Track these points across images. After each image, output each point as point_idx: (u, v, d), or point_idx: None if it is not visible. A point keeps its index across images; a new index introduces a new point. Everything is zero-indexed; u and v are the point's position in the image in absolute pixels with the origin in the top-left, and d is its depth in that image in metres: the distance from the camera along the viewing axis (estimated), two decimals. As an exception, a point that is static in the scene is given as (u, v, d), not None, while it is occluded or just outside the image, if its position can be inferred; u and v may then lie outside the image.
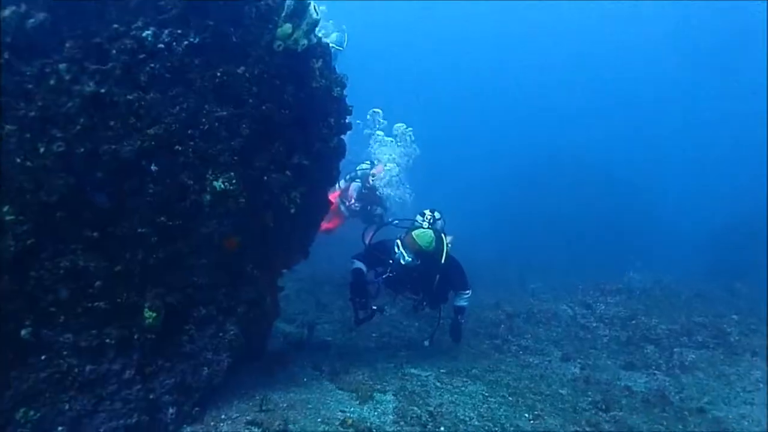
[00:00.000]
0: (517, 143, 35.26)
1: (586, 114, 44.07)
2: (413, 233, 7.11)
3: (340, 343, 7.73)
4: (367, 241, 7.75)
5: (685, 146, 39.89)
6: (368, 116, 12.70)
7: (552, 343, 9.17)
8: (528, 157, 29.59)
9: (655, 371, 8.00)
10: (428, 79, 45.81)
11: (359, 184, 11.23)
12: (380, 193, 11.14)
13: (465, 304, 7.75)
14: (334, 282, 10.41)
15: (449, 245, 7.42)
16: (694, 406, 6.63)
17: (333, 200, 10.71)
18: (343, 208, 11.30)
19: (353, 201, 11.23)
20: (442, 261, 7.19)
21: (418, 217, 7.74)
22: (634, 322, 9.88)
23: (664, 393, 6.98)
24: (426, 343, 7.58)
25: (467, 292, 7.71)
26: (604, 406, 6.28)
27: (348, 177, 11.48)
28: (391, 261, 7.22)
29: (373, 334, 8.47)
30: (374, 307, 7.16)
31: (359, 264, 7.41)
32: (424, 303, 7.59)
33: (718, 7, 33.34)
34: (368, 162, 11.76)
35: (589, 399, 6.53)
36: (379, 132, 12.61)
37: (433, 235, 7.09)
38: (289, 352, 6.71)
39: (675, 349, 8.74)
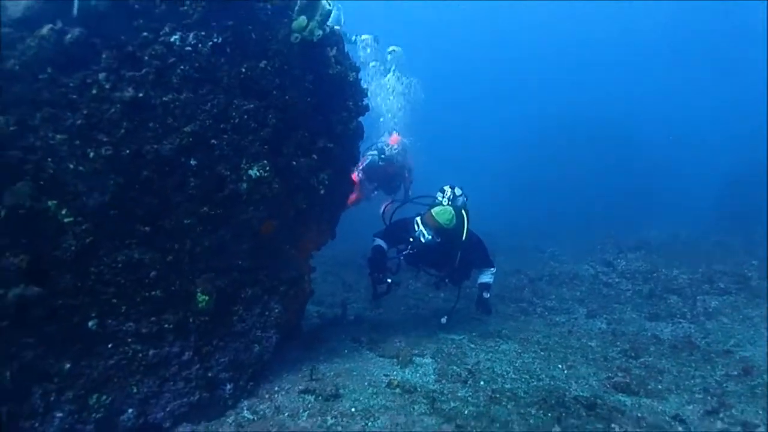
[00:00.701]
0: (525, 108, 35.30)
1: (593, 75, 43.93)
2: (433, 211, 7.01)
3: (372, 318, 8.01)
4: (386, 220, 7.75)
5: (692, 99, 39.74)
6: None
7: (576, 302, 9.42)
8: (537, 120, 29.62)
9: (680, 320, 8.22)
10: (435, 43, 45.55)
11: (375, 155, 10.95)
12: (396, 161, 10.95)
13: (490, 280, 7.64)
14: (357, 263, 10.77)
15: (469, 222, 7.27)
16: (721, 348, 6.80)
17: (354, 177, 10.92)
18: (366, 181, 11.12)
19: (360, 171, 10.86)
20: (463, 238, 7.11)
21: (438, 194, 7.59)
22: (655, 274, 10.10)
23: (691, 339, 7.18)
24: (443, 320, 7.38)
25: (491, 269, 7.68)
26: (633, 354, 6.54)
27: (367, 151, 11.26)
28: (411, 239, 7.14)
29: (401, 308, 8.78)
30: (389, 281, 7.11)
31: (380, 242, 7.44)
32: (446, 280, 7.55)
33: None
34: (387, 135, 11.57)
35: (618, 349, 6.78)
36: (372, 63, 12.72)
37: (453, 212, 6.98)
38: (325, 329, 7.02)
39: (698, 297, 8.95)
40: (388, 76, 13.88)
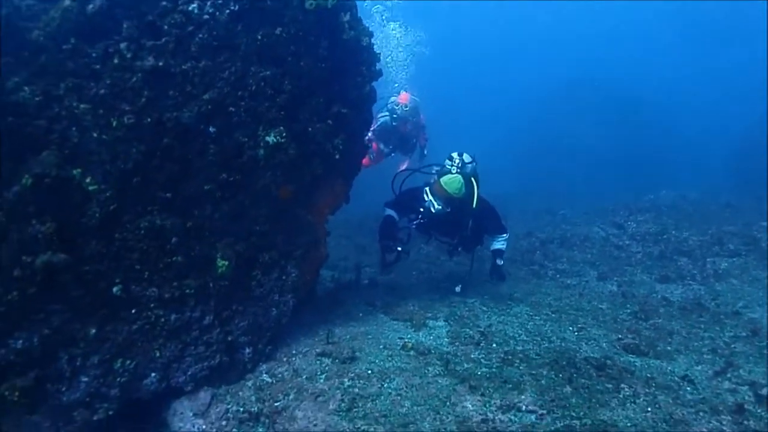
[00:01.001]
0: (533, 73, 35.00)
1: (600, 41, 43.44)
2: (441, 180, 6.92)
3: (385, 282, 8.12)
4: (396, 189, 7.54)
5: (699, 63, 39.30)
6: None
7: (587, 265, 9.52)
8: (545, 85, 29.36)
9: (690, 282, 8.31)
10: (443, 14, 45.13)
11: (387, 116, 10.80)
12: (409, 120, 10.77)
13: (502, 246, 7.51)
14: (370, 226, 10.79)
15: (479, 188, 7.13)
16: (730, 310, 6.90)
17: (374, 146, 10.71)
18: (382, 145, 10.99)
19: (373, 134, 10.77)
20: (474, 206, 6.99)
21: (447, 162, 7.28)
22: (665, 236, 10.15)
23: (700, 301, 7.29)
24: (457, 289, 7.36)
25: (504, 235, 7.55)
26: (643, 316, 6.66)
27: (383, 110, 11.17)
28: (421, 209, 7.06)
29: (414, 272, 8.90)
30: (399, 249, 6.96)
31: (390, 211, 7.32)
32: (459, 248, 7.45)
33: None
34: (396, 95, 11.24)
35: (629, 311, 6.91)
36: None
37: (462, 180, 6.87)
38: (340, 292, 7.16)
39: (708, 259, 9.02)
40: (392, 25, 13.77)
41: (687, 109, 30.17)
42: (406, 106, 10.70)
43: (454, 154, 7.29)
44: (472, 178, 7.11)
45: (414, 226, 7.29)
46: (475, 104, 39.09)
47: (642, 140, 23.59)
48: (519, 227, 12.00)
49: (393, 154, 11.30)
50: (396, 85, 12.45)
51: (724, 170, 19.40)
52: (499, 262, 7.37)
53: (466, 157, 7.32)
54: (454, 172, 7.06)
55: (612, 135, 23.55)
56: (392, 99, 11.02)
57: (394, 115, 10.72)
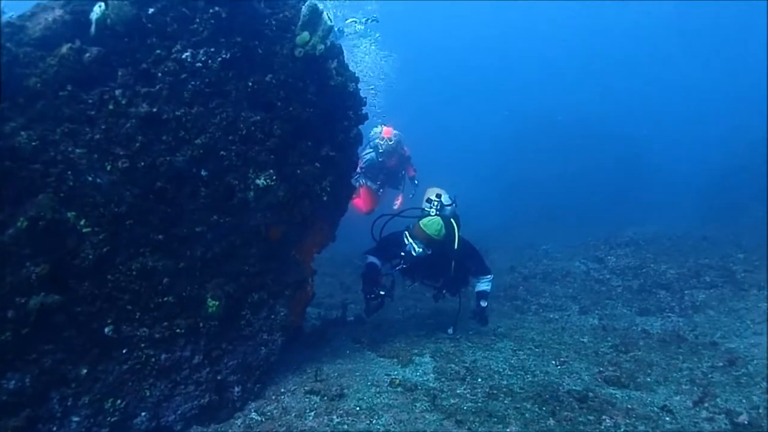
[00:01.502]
0: (510, 108, 35.57)
1: (577, 75, 44.39)
2: (421, 222, 6.87)
3: (372, 319, 8.17)
4: (376, 236, 7.41)
5: (676, 97, 40.28)
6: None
7: (569, 299, 9.69)
8: (523, 120, 29.89)
9: (669, 314, 8.52)
10: (421, 45, 45.85)
11: (372, 153, 10.79)
12: (395, 153, 10.74)
13: (487, 287, 7.39)
14: (354, 264, 10.88)
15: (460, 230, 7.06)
16: (708, 340, 7.07)
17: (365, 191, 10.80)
18: (369, 183, 10.99)
19: (360, 174, 10.77)
20: (455, 247, 6.94)
21: (425, 204, 7.29)
22: (644, 270, 10.38)
23: (679, 332, 7.45)
24: (450, 330, 7.33)
25: (488, 276, 7.44)
26: (623, 348, 6.80)
27: (366, 147, 11.06)
28: (403, 254, 7.01)
29: (400, 308, 9.01)
30: (382, 293, 6.97)
31: (373, 258, 7.31)
32: (444, 291, 7.41)
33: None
34: (378, 126, 11.26)
35: (609, 344, 7.05)
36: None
37: (441, 222, 6.82)
38: (327, 330, 7.23)
39: (686, 291, 9.25)
40: (365, 42, 13.91)
41: (668, 142, 30.85)
42: (390, 140, 10.71)
43: (433, 196, 7.31)
44: (452, 220, 7.08)
45: (397, 271, 7.26)
46: (458, 139, 39.60)
47: (624, 173, 24.06)
48: (502, 262, 12.19)
49: (381, 190, 11.29)
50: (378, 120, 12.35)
51: (702, 202, 19.78)
52: (483, 303, 7.26)
53: (445, 199, 7.35)
54: (433, 213, 7.08)
55: (595, 168, 24.00)
56: (374, 132, 11.05)
57: (380, 151, 10.73)
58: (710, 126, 34.07)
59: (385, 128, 10.95)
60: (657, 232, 13.77)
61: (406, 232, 7.05)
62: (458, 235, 6.98)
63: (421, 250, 6.80)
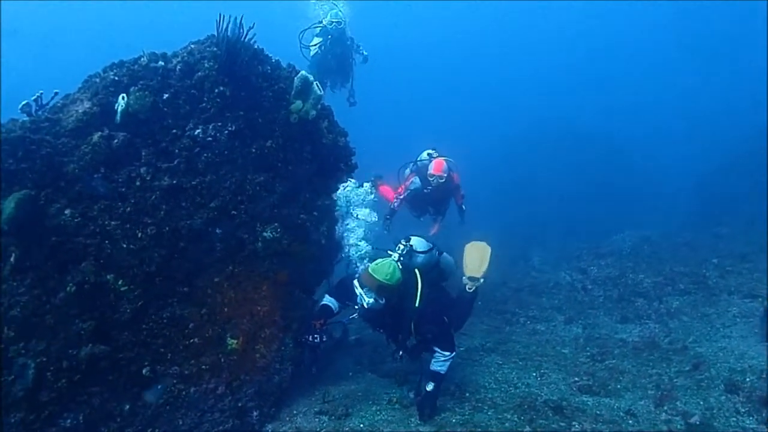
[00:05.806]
0: (503, 116, 35.99)
1: (566, 83, 44.79)
2: (370, 266, 5.72)
3: (370, 339, 8.69)
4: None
5: (671, 99, 40.63)
6: None
7: (555, 310, 10.26)
8: (513, 129, 30.28)
9: (647, 321, 9.08)
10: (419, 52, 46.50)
11: (418, 184, 9.58)
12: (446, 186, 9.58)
13: (441, 369, 5.88)
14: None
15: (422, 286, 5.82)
16: (680, 345, 7.64)
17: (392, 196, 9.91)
18: (411, 210, 10.15)
19: (400, 199, 9.60)
20: (416, 304, 5.74)
21: (396, 248, 6.24)
22: (623, 279, 10.91)
23: (654, 339, 8.05)
24: (411, 395, 6.19)
25: (447, 353, 5.90)
26: (600, 357, 7.46)
27: (410, 168, 10.06)
28: (356, 305, 5.85)
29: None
30: (316, 341, 6.08)
31: (329, 299, 6.40)
32: (401, 353, 6.03)
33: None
34: (429, 151, 9.95)
35: (588, 353, 7.70)
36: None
37: (394, 264, 5.69)
38: (330, 354, 7.89)
39: (663, 299, 9.81)
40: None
41: (656, 147, 31.20)
42: (441, 178, 9.33)
43: (403, 240, 6.35)
44: (417, 270, 5.98)
45: (348, 322, 6.36)
46: (453, 142, 39.92)
47: (611, 181, 24.40)
48: (494, 276, 12.61)
49: (422, 218, 10.44)
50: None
51: (687, 207, 20.17)
52: (429, 387, 5.80)
53: (419, 245, 6.37)
54: (395, 257, 6.02)
55: (583, 176, 24.32)
56: (422, 156, 9.93)
57: (428, 188, 9.53)
58: (709, 127, 34.39)
59: (435, 161, 9.38)
60: (641, 238, 14.20)
61: (356, 279, 5.81)
62: (421, 292, 5.80)
63: (372, 300, 5.56)
